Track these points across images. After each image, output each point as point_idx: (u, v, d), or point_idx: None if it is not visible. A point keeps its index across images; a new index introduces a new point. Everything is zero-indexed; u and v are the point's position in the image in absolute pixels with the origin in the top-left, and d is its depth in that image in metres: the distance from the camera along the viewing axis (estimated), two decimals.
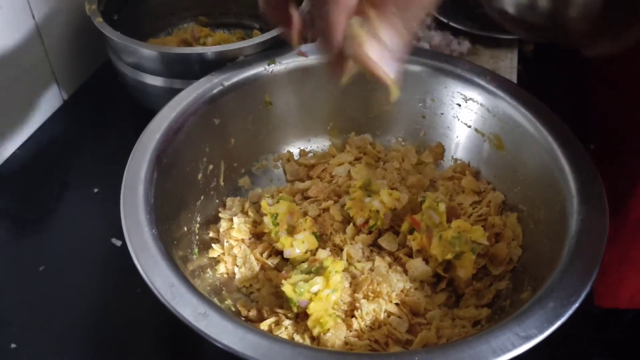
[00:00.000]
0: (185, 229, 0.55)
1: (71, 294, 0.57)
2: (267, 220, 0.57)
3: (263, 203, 0.59)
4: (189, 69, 0.64)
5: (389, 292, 0.53)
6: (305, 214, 0.60)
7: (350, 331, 0.50)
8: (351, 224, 0.59)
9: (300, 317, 0.51)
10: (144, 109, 0.70)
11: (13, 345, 0.52)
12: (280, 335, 0.49)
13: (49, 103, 0.77)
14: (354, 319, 0.51)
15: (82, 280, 0.58)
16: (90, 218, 0.64)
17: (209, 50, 0.64)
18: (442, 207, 0.56)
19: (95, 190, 0.67)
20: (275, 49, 0.65)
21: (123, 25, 0.70)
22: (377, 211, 0.57)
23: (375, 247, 0.59)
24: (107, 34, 0.66)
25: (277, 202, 0.58)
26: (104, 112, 0.79)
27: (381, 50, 0.36)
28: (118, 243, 0.60)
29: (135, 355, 0.53)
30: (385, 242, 0.58)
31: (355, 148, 0.68)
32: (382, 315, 0.51)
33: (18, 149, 0.72)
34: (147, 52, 0.65)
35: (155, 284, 0.43)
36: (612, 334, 0.55)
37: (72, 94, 0.81)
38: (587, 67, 0.71)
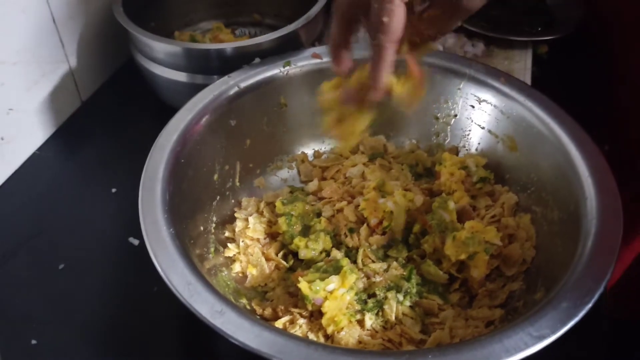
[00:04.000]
0: (202, 228, 0.56)
1: (90, 291, 0.58)
2: (282, 220, 0.58)
3: (278, 203, 0.59)
4: (209, 64, 0.67)
5: (403, 292, 0.53)
6: (319, 214, 0.61)
7: (363, 330, 0.51)
8: (365, 225, 0.59)
9: (315, 315, 0.52)
10: (161, 110, 0.71)
11: (34, 341, 0.53)
12: (294, 333, 0.50)
13: (67, 105, 0.78)
14: (367, 318, 0.51)
15: (101, 278, 0.59)
16: (108, 217, 0.65)
17: (228, 46, 0.67)
18: (452, 205, 0.56)
19: (114, 190, 0.68)
20: (291, 50, 0.66)
21: (145, 23, 0.71)
22: (391, 212, 0.58)
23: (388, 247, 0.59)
24: (131, 30, 0.69)
25: (292, 202, 0.59)
26: (122, 113, 0.80)
27: None
28: (135, 242, 0.61)
29: (152, 351, 0.54)
30: (394, 252, 0.58)
31: (369, 149, 0.69)
32: (395, 316, 0.52)
33: (37, 150, 0.74)
34: (170, 47, 0.68)
35: (173, 282, 0.44)
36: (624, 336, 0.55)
37: (91, 95, 0.82)
38: (608, 69, 0.71)
